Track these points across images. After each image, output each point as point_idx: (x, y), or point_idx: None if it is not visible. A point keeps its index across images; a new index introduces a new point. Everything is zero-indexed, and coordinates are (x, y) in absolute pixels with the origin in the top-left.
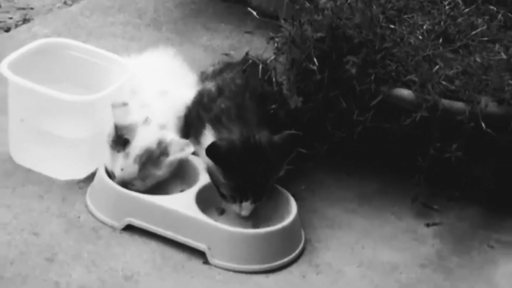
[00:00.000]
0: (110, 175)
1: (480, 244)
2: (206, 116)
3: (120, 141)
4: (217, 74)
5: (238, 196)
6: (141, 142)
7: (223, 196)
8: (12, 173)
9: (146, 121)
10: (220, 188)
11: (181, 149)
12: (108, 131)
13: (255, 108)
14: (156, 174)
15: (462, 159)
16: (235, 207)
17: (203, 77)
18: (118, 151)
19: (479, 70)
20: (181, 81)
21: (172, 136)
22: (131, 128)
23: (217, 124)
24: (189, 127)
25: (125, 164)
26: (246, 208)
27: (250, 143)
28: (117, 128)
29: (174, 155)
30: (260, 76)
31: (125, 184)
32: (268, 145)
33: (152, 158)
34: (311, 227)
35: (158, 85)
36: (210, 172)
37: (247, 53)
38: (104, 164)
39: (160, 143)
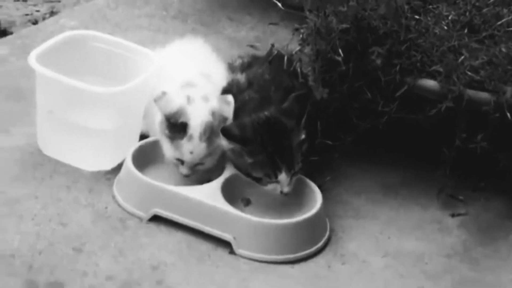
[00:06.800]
0: (173, 163)
1: (505, 234)
2: None
3: (177, 128)
4: (246, 68)
5: (271, 170)
6: (198, 119)
7: (258, 180)
8: (40, 165)
9: (189, 99)
10: (252, 173)
11: (227, 104)
12: (158, 124)
13: (279, 100)
14: (221, 144)
15: (487, 149)
16: (274, 188)
17: (231, 69)
18: (181, 138)
19: (505, 60)
20: (216, 66)
21: (214, 102)
22: (182, 112)
23: (238, 114)
24: None
25: (192, 146)
26: (284, 182)
27: (260, 118)
28: (169, 118)
29: (228, 115)
30: (285, 67)
31: (195, 166)
32: (278, 113)
33: (213, 129)
34: (336, 217)
35: (197, 68)
36: (236, 163)
37: (272, 45)
38: (166, 156)
39: (213, 113)
